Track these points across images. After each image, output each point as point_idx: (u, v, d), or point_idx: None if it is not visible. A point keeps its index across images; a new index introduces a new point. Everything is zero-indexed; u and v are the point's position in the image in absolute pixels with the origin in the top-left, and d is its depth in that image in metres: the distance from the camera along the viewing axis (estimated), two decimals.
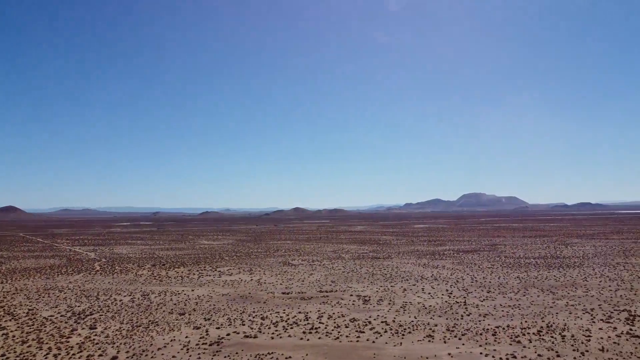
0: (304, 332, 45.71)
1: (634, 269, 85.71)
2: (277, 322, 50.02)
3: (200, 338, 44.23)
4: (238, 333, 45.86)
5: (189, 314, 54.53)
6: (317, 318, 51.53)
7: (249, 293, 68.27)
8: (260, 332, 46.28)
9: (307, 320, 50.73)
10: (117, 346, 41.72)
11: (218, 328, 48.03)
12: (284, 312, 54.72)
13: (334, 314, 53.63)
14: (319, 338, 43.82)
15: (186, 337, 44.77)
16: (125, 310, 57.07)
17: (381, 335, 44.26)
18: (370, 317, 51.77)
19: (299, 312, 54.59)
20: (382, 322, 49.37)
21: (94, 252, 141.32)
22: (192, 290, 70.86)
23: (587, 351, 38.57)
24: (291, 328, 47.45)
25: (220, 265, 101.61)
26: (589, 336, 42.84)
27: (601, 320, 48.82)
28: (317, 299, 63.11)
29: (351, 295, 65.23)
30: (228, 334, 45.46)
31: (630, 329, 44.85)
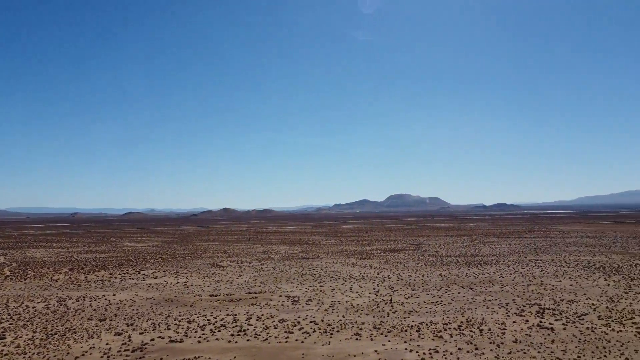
0: (232, 335, 45.06)
1: (543, 265, 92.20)
2: (204, 325, 48.93)
3: (122, 344, 42.31)
4: (163, 338, 44.36)
5: (110, 320, 52.04)
6: (246, 320, 50.98)
7: (175, 296, 66.28)
8: (186, 336, 45.06)
9: (236, 322, 50.05)
10: (29, 357, 38.92)
11: (141, 333, 46.19)
12: (212, 315, 53.64)
13: (262, 315, 53.30)
14: (248, 340, 43.36)
15: (107, 344, 42.66)
16: (39, 317, 53.43)
17: (310, 335, 44.54)
18: (299, 317, 51.95)
19: (227, 315, 53.74)
20: (311, 322, 49.71)
21: (3, 256, 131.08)
22: (114, 295, 67.71)
23: (502, 343, 41.00)
24: (219, 331, 46.60)
25: (144, 268, 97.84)
26: (504, 329, 45.56)
27: (515, 314, 52.08)
28: (245, 300, 62.44)
29: (280, 296, 65.15)
30: (152, 339, 43.84)
31: (540, 322, 48.19)
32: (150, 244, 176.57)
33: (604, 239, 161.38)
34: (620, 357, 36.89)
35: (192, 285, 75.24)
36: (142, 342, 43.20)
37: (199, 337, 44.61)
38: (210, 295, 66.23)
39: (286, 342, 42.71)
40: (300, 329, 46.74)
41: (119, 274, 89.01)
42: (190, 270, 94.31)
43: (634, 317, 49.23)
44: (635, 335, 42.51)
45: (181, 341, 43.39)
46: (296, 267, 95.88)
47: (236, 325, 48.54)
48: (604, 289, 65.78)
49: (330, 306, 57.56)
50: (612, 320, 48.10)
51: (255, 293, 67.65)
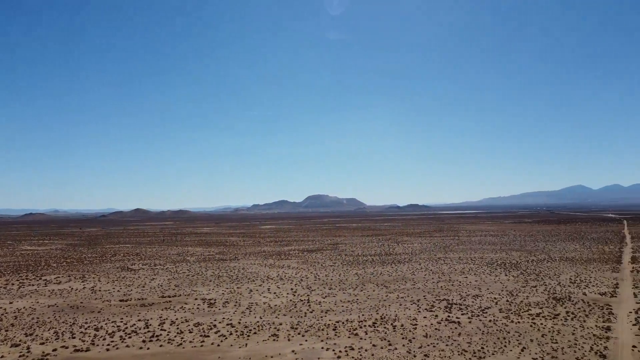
0: (143, 341, 43.18)
1: (451, 263, 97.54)
2: (113, 332, 46.46)
3: (20, 357, 39.08)
4: (67, 347, 41.54)
5: (6, 330, 47.87)
6: (159, 325, 49.10)
7: (81, 302, 62.37)
8: (93, 344, 42.52)
9: (148, 328, 48.04)
10: None
11: (42, 343, 42.95)
12: (122, 321, 51.08)
13: (177, 319, 51.62)
14: (161, 346, 41.78)
15: (2, 356, 39.20)
16: None
17: (226, 338, 43.81)
18: (215, 320, 50.92)
19: (139, 320, 51.43)
20: (227, 324, 48.91)
21: None
22: (10, 303, 62.40)
23: (413, 338, 42.82)
24: (129, 337, 44.48)
25: (46, 273, 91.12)
26: (415, 324, 47.61)
27: (425, 309, 54.60)
28: (159, 304, 60.15)
29: (196, 299, 63.48)
30: (55, 350, 40.91)
31: (449, 316, 50.91)
32: (53, 247, 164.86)
33: (505, 237, 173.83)
34: (518, 346, 39.88)
35: (100, 290, 71.21)
36: (43, 352, 40.18)
37: (108, 345, 42.29)
38: (120, 300, 63.06)
39: (202, 346, 41.68)
40: (216, 332, 45.82)
41: (17, 280, 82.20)
42: (99, 274, 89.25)
43: (530, 309, 53.45)
44: (531, 326, 46.17)
45: (87, 350, 40.89)
46: (213, 269, 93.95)
47: (148, 331, 46.59)
48: (505, 284, 70.79)
49: (247, 308, 56.99)
50: (512, 313, 51.90)
51: (170, 297, 65.39)
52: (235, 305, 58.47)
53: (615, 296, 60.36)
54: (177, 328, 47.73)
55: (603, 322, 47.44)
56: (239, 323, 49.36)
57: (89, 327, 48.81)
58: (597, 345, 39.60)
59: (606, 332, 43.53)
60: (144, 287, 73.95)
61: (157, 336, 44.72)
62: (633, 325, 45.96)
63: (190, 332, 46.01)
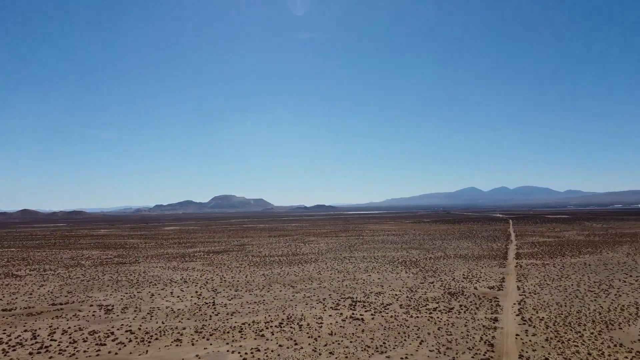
0: (30, 353, 39.71)
1: (356, 262, 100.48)
2: None
3: None
4: None
5: None
6: (49, 335, 45.42)
7: None
8: None
9: (36, 338, 44.24)
10: None
11: None
12: (4, 333, 46.56)
13: (69, 328, 48.08)
14: (50, 357, 38.67)
15: None
16: None
17: (125, 346, 41.60)
18: (113, 327, 48.13)
19: (25, 331, 47.20)
20: (126, 331, 46.45)
21: None
22: None
23: (319, 336, 43.53)
24: (13, 350, 40.68)
25: None
26: (321, 323, 48.43)
27: (331, 308, 55.73)
28: (49, 313, 55.64)
29: (91, 305, 59.57)
30: None
31: (353, 314, 52.40)
32: None
33: (405, 236, 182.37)
34: (416, 339, 42.05)
35: None
36: None
37: None
38: (3, 310, 57.44)
39: (97, 355, 39.18)
40: (114, 340, 43.32)
41: None
42: None
43: (428, 304, 56.58)
44: (428, 320, 48.88)
45: None
46: (111, 273, 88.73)
47: (36, 342, 42.91)
48: (405, 281, 74.27)
49: (148, 313, 54.51)
50: (411, 308, 54.59)
51: (61, 304, 60.73)
52: (135, 311, 55.69)
53: (502, 289, 65.70)
54: (70, 337, 44.47)
55: (491, 313, 51.45)
56: (139, 329, 47.10)
57: None
58: (486, 335, 42.87)
59: (494, 323, 47.25)
60: (31, 294, 68.06)
61: (46, 347, 41.35)
62: (516, 315, 50.30)
63: (84, 341, 43.09)
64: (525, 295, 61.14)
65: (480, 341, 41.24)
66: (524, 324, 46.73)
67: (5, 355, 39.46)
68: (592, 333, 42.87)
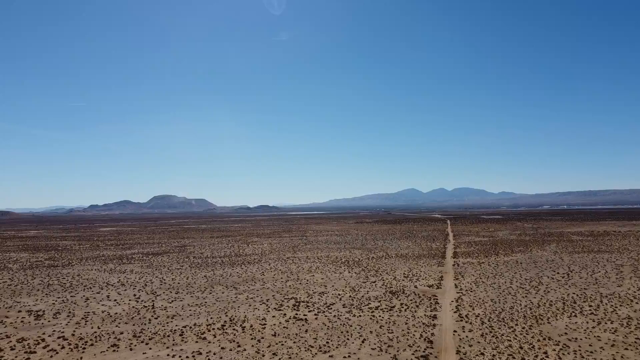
0: None
1: (299, 262, 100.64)
2: None
3: None
4: None
5: None
6: None
7: None
8: None
9: None
10: None
11: None
12: None
13: None
14: None
15: None
16: None
17: (57, 353, 39.56)
18: (44, 334, 45.65)
19: None
20: (59, 337, 44.19)
21: None
22: None
23: (262, 338, 43.26)
24: None
25: None
26: (264, 324, 48.14)
27: (274, 308, 55.52)
28: None
29: (19, 311, 56.18)
30: None
31: (296, 314, 52.44)
32: None
33: (348, 236, 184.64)
34: (359, 338, 42.69)
35: None
36: None
37: None
38: None
39: None
40: (45, 347, 41.10)
41: None
42: None
43: (370, 303, 57.57)
44: (370, 319, 49.75)
45: None
46: (41, 277, 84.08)
47: None
48: (348, 280, 75.20)
49: (83, 318, 52.11)
50: (354, 307, 55.34)
51: None
52: (68, 316, 53.09)
53: (441, 288, 67.93)
54: None
55: (430, 311, 53.08)
56: (73, 335, 44.95)
57: None
58: (426, 332, 44.19)
59: (433, 320, 48.78)
60: None
61: None
62: (454, 312, 52.18)
63: (12, 350, 40.61)
64: (462, 292, 63.52)
65: (420, 338, 42.45)
66: (461, 320, 48.56)
67: None
68: (523, 328, 45.18)
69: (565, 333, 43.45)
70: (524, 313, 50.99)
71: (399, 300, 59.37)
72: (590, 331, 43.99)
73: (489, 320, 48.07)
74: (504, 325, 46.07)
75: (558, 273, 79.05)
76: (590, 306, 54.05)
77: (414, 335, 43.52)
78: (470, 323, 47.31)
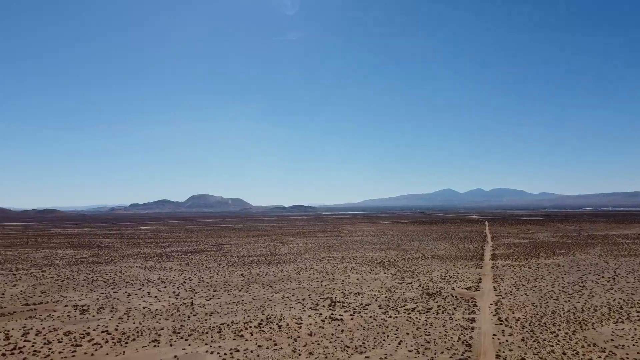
0: (3, 355, 38.73)
1: (335, 262, 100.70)
2: None
3: None
4: None
5: None
6: (22, 336, 44.38)
7: None
8: None
9: (8, 339, 43.18)
10: None
11: None
12: None
13: (44, 329, 47.05)
14: (24, 358, 37.81)
15: None
16: None
17: (101, 347, 40.91)
18: (89, 327, 47.28)
19: None
20: (102, 331, 45.69)
21: None
22: None
23: (299, 337, 43.52)
24: None
25: None
26: (300, 323, 48.41)
27: (310, 308, 55.75)
28: (22, 313, 54.35)
29: (66, 305, 58.40)
30: None
31: (332, 314, 52.51)
32: None
33: (383, 237, 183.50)
34: (395, 340, 42.38)
35: None
36: None
37: None
38: None
39: (73, 356, 38.44)
40: (90, 341, 42.57)
41: None
42: None
43: (406, 304, 57.06)
44: (407, 320, 49.32)
45: None
46: (86, 273, 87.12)
47: (9, 343, 41.88)
48: (383, 281, 74.75)
49: (125, 313, 53.70)
50: (390, 308, 54.98)
51: (35, 304, 59.38)
52: (111, 311, 54.81)
53: (479, 290, 66.67)
54: (44, 338, 43.54)
55: (469, 314, 52.18)
56: (116, 330, 46.38)
57: None
58: (464, 336, 43.46)
59: (471, 323, 47.93)
60: (3, 294, 66.39)
61: (19, 348, 40.41)
62: (493, 315, 51.12)
63: (59, 342, 42.24)
64: (501, 295, 62.17)
65: (458, 341, 41.79)
66: (501, 324, 47.53)
67: None
68: (566, 333, 43.84)
69: (612, 339, 41.91)
70: (567, 318, 49.47)
71: (436, 302, 58.62)
72: (639, 338, 42.29)
73: (530, 325, 46.87)
74: (546, 330, 44.83)
75: (603, 277, 76.31)
76: (638, 312, 51.96)
77: (451, 338, 42.88)
78: (510, 327, 46.26)
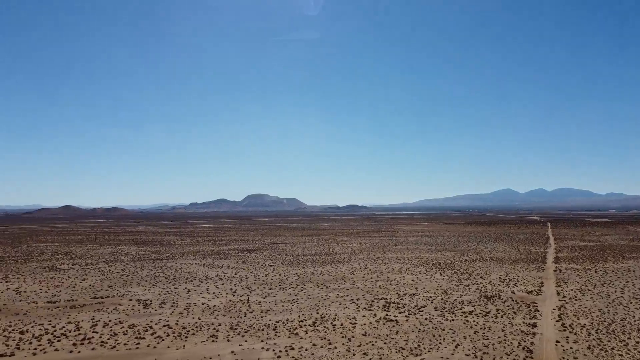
0: (74, 344, 41.14)
1: (389, 262, 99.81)
2: (40, 335, 43.92)
3: None
4: None
5: None
6: (91, 327, 46.94)
7: (4, 304, 58.49)
8: (18, 348, 40.02)
9: (78, 330, 45.81)
10: None
11: None
12: (50, 324, 48.38)
13: (110, 321, 49.56)
14: (93, 349, 39.97)
15: None
16: None
17: (163, 340, 42.58)
18: (151, 321, 49.34)
19: (69, 322, 48.92)
20: (164, 325, 47.54)
21: None
22: None
23: (353, 337, 43.47)
24: (58, 341, 42.22)
25: None
26: (354, 323, 48.34)
27: (364, 308, 55.55)
28: (90, 306, 57.50)
29: (130, 299, 61.22)
30: None
31: (387, 315, 52.09)
32: None
33: (439, 238, 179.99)
34: (452, 343, 41.45)
35: (25, 292, 67.08)
36: None
37: (34, 349, 39.94)
38: (48, 302, 59.71)
39: (137, 348, 40.26)
40: (152, 334, 44.42)
41: None
42: (24, 274, 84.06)
43: (463, 307, 55.68)
44: (464, 323, 48.12)
45: (12, 355, 38.43)
46: (148, 269, 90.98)
47: (79, 334, 44.43)
48: (439, 283, 73.31)
49: (185, 308, 55.63)
50: (446, 311, 53.85)
51: (102, 298, 62.67)
52: (172, 306, 56.93)
53: (541, 294, 64.05)
54: (111, 330, 45.86)
55: (529, 318, 50.24)
56: (176, 324, 48.13)
57: (13, 330, 45.90)
58: (524, 341, 41.89)
59: (532, 329, 46.12)
60: (74, 287, 70.46)
61: (88, 339, 42.76)
62: (556, 321, 48.95)
63: (124, 334, 44.34)
64: (565, 300, 59.43)
65: (518, 347, 40.32)
66: (565, 330, 45.45)
67: (50, 345, 41.02)
68: (637, 342, 41.29)
69: None
70: (638, 326, 46.60)
71: (495, 305, 56.83)
72: None
73: (596, 332, 44.51)
74: (615, 338, 42.42)
75: None
76: None
77: (511, 343, 41.43)
78: (575, 334, 44.12)
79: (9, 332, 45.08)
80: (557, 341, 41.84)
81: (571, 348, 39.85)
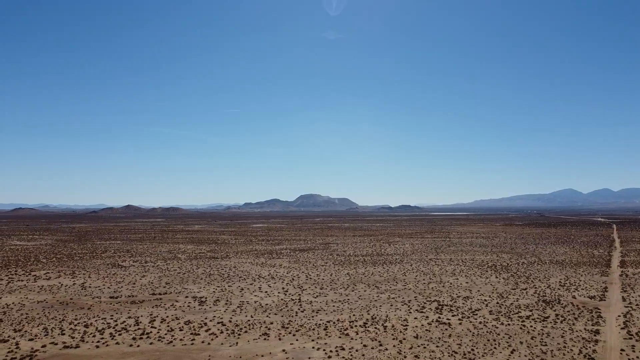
0: (133, 338, 43.00)
1: (442, 264, 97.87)
2: (103, 329, 46.22)
3: (9, 352, 38.78)
4: (56, 344, 41.28)
5: None
6: (149, 322, 48.90)
7: (71, 299, 61.97)
8: (83, 341, 42.28)
9: (138, 325, 47.83)
10: None
11: (31, 340, 42.65)
12: (112, 318, 50.81)
13: (167, 317, 51.44)
14: (151, 343, 41.62)
15: None
16: None
17: (217, 337, 43.73)
18: (206, 318, 50.80)
19: (129, 317, 51.20)
20: (218, 322, 48.81)
21: None
22: None
23: (404, 339, 42.95)
24: (119, 335, 44.27)
25: (35, 269, 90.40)
26: (406, 325, 47.75)
27: (416, 310, 54.77)
28: (149, 302, 59.89)
29: (187, 296, 63.27)
30: (44, 346, 40.64)
31: (439, 317, 51.11)
32: (43, 242, 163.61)
33: (495, 239, 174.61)
34: (507, 348, 40.12)
35: (90, 287, 70.79)
36: (32, 349, 39.91)
37: (97, 341, 42.07)
38: (111, 297, 62.72)
39: (192, 344, 41.57)
40: (207, 331, 45.71)
41: (6, 276, 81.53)
42: (89, 270, 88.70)
43: (520, 312, 53.77)
44: (521, 328, 46.46)
45: (77, 347, 40.65)
46: (204, 267, 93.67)
47: (138, 329, 46.39)
48: (495, 286, 71.15)
49: (238, 306, 56.88)
50: (502, 315, 52.18)
51: (160, 294, 65.12)
52: (226, 304, 58.35)
53: (605, 300, 60.87)
54: (168, 326, 47.57)
55: (592, 325, 47.83)
56: (230, 322, 49.28)
57: (78, 323, 48.53)
58: (586, 349, 39.93)
59: (595, 336, 43.89)
60: (134, 284, 73.60)
61: (147, 334, 44.55)
62: (621, 329, 46.37)
63: (180, 330, 45.88)
64: (631, 307, 56.17)
65: (579, 354, 38.49)
66: (631, 338, 42.96)
67: (112, 338, 43.07)
68: None
69: None
70: None
71: (554, 310, 54.51)
72: None
73: None
74: None
75: None
76: None
77: (571, 350, 39.60)
78: None
79: (75, 325, 47.68)
80: (622, 350, 39.61)
81: (637, 357, 37.63)
